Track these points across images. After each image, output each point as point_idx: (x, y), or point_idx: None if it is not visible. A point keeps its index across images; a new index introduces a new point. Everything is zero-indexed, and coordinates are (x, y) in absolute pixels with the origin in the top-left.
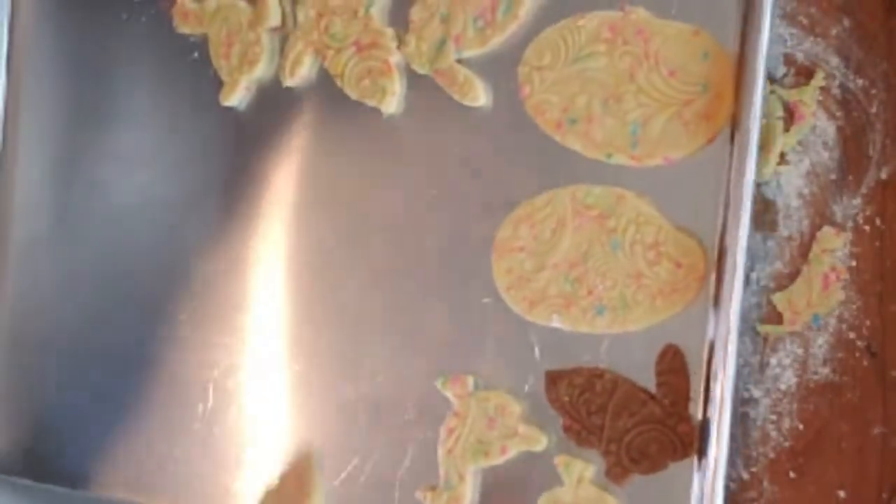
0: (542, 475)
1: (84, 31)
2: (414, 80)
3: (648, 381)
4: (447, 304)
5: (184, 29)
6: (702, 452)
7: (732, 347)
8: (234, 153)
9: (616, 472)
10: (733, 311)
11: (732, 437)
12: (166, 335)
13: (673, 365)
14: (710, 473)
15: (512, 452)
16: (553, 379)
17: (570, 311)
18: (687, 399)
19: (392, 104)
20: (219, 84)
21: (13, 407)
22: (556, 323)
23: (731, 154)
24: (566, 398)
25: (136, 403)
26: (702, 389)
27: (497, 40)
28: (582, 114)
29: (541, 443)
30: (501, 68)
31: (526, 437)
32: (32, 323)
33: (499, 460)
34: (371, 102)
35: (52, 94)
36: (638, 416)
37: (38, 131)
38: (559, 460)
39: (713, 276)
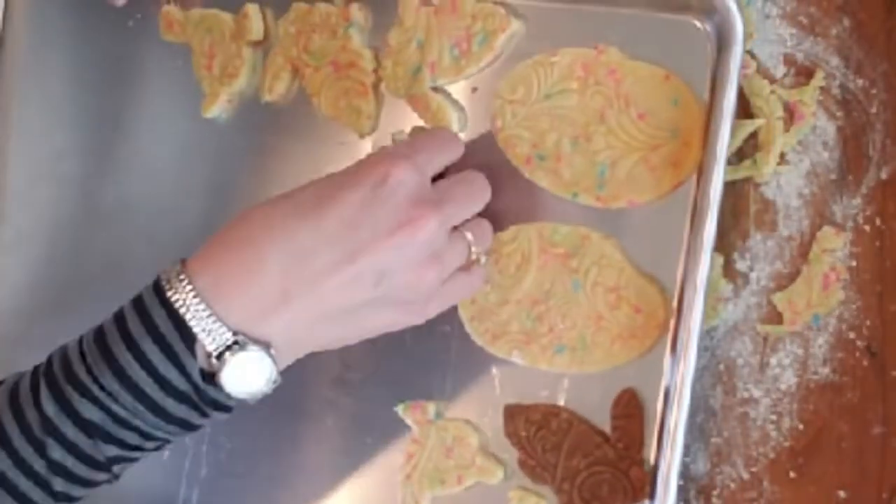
0: (499, 500)
1: (74, 33)
2: (389, 103)
3: (604, 422)
4: (411, 331)
5: (168, 37)
6: (653, 496)
7: (686, 396)
8: (214, 163)
9: None
10: (689, 361)
11: (686, 482)
12: None
13: (629, 409)
14: None
15: (468, 482)
16: (511, 413)
17: (531, 348)
18: (641, 444)
19: (367, 126)
20: (201, 93)
21: None
22: (516, 358)
23: (694, 203)
24: (523, 433)
25: None
26: (655, 435)
27: (472, 70)
28: (551, 151)
29: (496, 476)
30: (476, 100)
31: (482, 468)
32: (9, 323)
33: (455, 489)
34: (346, 123)
35: (40, 93)
36: (591, 458)
37: (25, 130)
38: (513, 494)
39: (672, 323)
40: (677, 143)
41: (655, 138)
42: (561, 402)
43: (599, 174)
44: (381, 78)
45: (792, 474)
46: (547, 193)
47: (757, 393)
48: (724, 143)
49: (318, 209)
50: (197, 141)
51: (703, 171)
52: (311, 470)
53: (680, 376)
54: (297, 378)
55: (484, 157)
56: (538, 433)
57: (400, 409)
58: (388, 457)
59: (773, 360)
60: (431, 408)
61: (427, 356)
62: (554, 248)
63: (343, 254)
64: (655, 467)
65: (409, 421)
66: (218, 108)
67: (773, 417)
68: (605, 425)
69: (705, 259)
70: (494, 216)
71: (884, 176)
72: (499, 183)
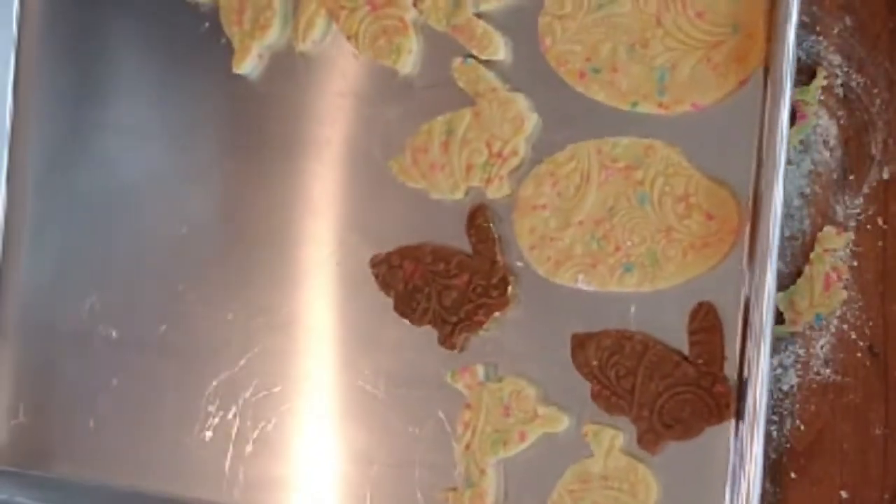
0: (568, 448)
1: (93, 5)
2: (430, 37)
3: (681, 341)
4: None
5: None
6: (739, 415)
7: (770, 303)
8: (243, 124)
9: (648, 439)
10: (770, 265)
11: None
12: (174, 315)
13: (706, 323)
14: (747, 437)
15: (532, 437)
16: (580, 342)
17: (597, 270)
18: (722, 359)
19: (408, 63)
20: (229, 53)
21: (22, 394)
22: (581, 284)
23: (764, 97)
24: (594, 362)
25: (141, 388)
26: (738, 349)
27: None
28: (606, 62)
29: (562, 422)
30: (521, 20)
31: (546, 418)
32: (38, 307)
33: (519, 448)
34: (386, 63)
35: (61, 69)
36: (670, 379)
37: (48, 108)
38: (587, 429)
39: (747, 228)
40: (740, 38)
41: (716, 35)
42: (633, 326)
43: (659, 79)
44: (421, 11)
45: (793, 475)
46: (604, 107)
47: None
48: (791, 29)
49: None
50: (228, 101)
51: (771, 63)
52: (359, 447)
53: (761, 283)
54: (345, 350)
55: (533, 79)
56: (611, 360)
57: (448, 377)
58: (444, 432)
59: (775, 361)
60: (481, 370)
61: None
62: (615, 162)
63: None
64: (741, 382)
65: (459, 387)
66: (250, 63)
67: (775, 418)
68: (682, 344)
69: (781, 155)
70: (549, 139)
71: (886, 175)
72: (551, 104)
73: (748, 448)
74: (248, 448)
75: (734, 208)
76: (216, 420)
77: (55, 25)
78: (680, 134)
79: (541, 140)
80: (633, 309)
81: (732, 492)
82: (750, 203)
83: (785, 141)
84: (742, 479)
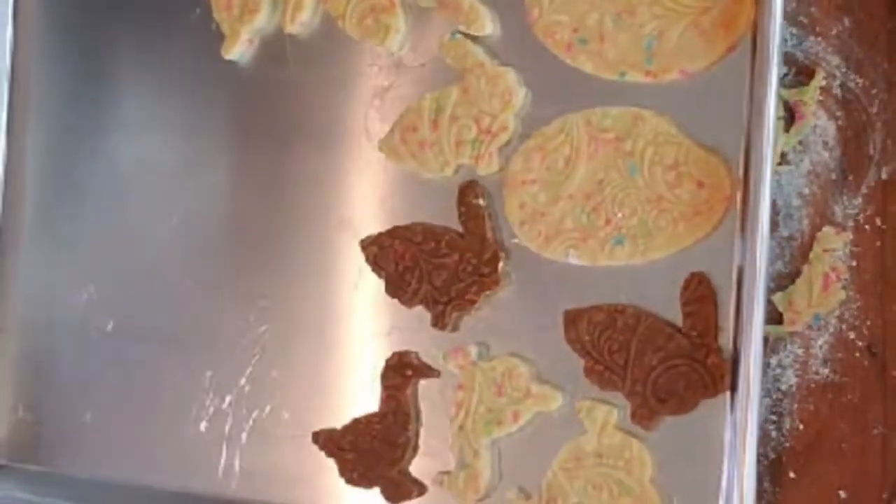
0: (562, 426)
1: None
2: (417, 15)
3: (674, 313)
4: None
5: None
6: (734, 388)
7: (763, 272)
8: (237, 110)
9: (642, 415)
10: (762, 232)
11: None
12: (171, 305)
13: (699, 294)
14: (742, 410)
15: (526, 416)
16: (572, 318)
17: (588, 244)
18: (716, 329)
19: (396, 42)
20: (221, 40)
21: (21, 390)
22: (572, 259)
23: (752, 62)
24: (586, 338)
25: (138, 380)
26: (731, 319)
27: None
28: (593, 32)
29: (555, 400)
30: None
31: (539, 396)
32: (40, 300)
33: (512, 428)
34: (374, 42)
35: (57, 60)
36: (664, 352)
37: (45, 100)
38: (581, 406)
39: (739, 196)
40: (727, 3)
41: (704, 0)
42: (624, 300)
43: (646, 48)
44: None
45: (792, 474)
46: (592, 78)
47: None
48: None
49: None
50: (221, 88)
51: (758, 28)
52: None
53: (753, 251)
54: (340, 335)
55: (520, 52)
56: (603, 335)
57: (441, 359)
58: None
59: (774, 361)
60: (473, 350)
61: None
62: (604, 133)
63: None
64: (736, 353)
65: (451, 367)
66: (239, 49)
67: (774, 418)
68: (676, 317)
69: (770, 120)
70: (537, 112)
71: (884, 176)
72: (539, 77)
73: (744, 420)
74: (244, 437)
75: (725, 176)
76: (211, 410)
77: (51, 15)
78: (669, 102)
79: (530, 114)
80: (624, 282)
81: (730, 465)
82: (741, 170)
83: (774, 105)
84: (739, 452)
